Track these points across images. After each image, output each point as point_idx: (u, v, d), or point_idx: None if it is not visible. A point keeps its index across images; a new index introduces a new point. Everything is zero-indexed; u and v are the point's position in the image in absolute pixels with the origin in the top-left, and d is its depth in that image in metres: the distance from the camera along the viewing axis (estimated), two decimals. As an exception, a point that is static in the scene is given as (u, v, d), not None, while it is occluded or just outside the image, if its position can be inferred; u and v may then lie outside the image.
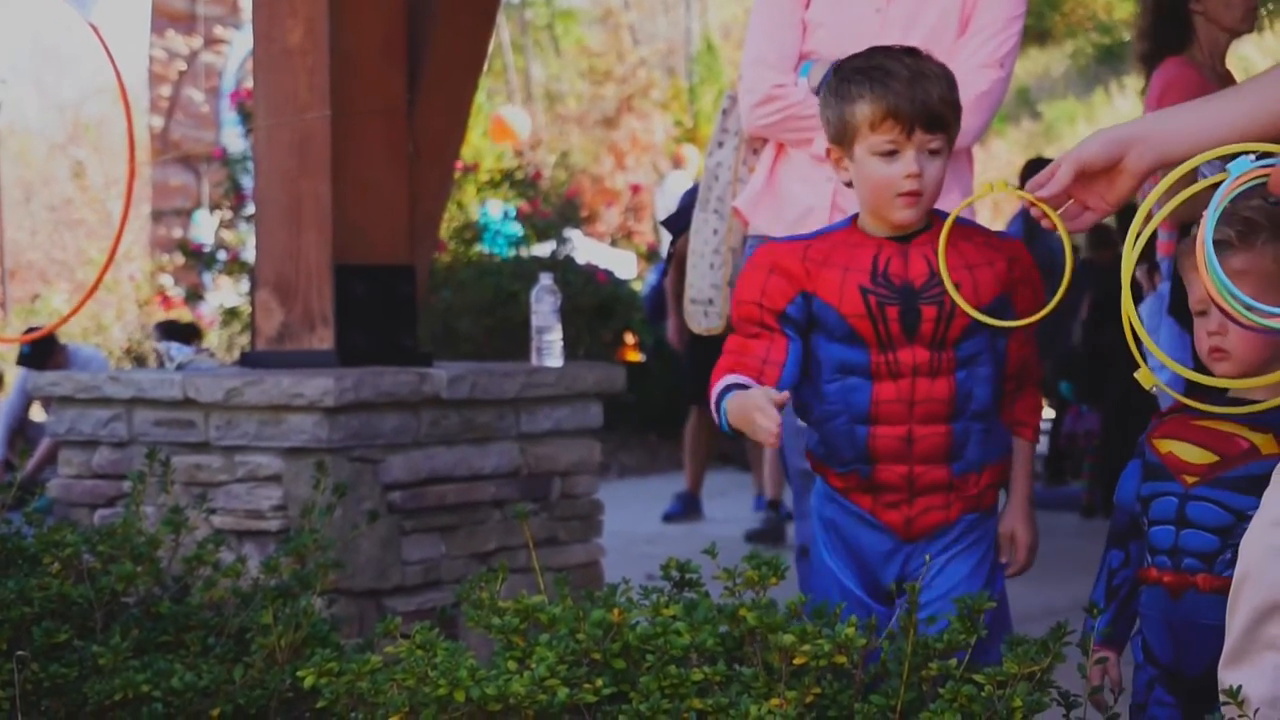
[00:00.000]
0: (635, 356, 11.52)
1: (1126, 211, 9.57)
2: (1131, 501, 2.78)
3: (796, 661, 2.34)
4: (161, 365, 5.05)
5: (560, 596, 2.56)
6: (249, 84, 7.25)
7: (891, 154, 2.79)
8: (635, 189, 17.34)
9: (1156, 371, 3.23)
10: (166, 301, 13.15)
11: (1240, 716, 2.13)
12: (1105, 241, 8.97)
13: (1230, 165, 2.19)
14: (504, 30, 21.07)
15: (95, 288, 4.05)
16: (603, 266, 11.97)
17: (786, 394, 2.72)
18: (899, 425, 2.83)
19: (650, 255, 15.08)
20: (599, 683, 2.39)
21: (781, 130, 3.57)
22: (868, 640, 2.36)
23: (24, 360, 9.09)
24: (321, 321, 4.62)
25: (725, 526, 8.19)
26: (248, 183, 10.21)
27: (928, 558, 2.83)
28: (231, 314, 11.10)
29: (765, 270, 2.89)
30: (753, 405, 2.67)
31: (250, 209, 9.59)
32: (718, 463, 10.27)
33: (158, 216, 16.60)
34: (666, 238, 9.86)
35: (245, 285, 10.75)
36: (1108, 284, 8.35)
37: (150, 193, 16.75)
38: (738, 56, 7.90)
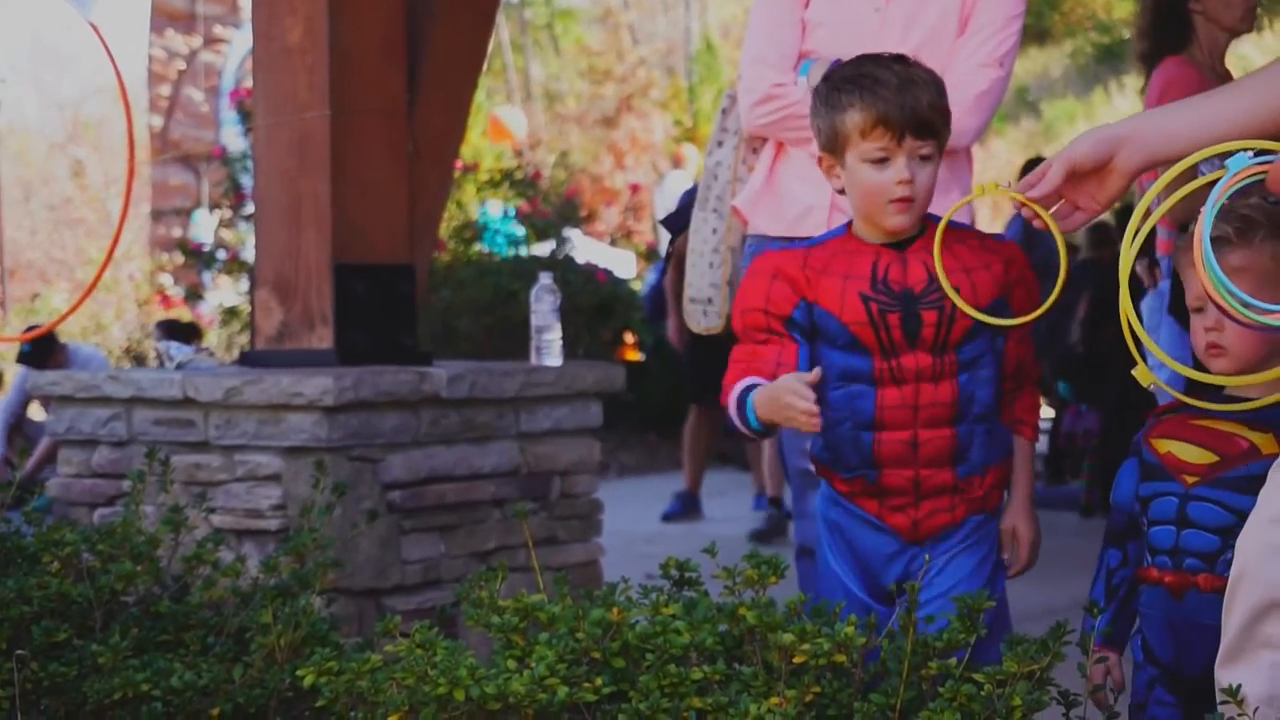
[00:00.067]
0: (635, 356, 11.52)
1: (1126, 210, 9.58)
2: (1129, 501, 2.78)
3: (796, 660, 2.34)
4: (161, 364, 5.04)
5: (560, 596, 2.56)
6: (248, 83, 7.24)
7: (883, 161, 2.81)
8: (634, 188, 17.34)
9: (1155, 370, 3.23)
10: (166, 301, 13.16)
11: (1240, 715, 2.13)
12: (1104, 240, 8.97)
13: (1228, 162, 2.19)
14: (503, 29, 21.07)
15: (94, 286, 4.05)
16: (602, 266, 11.98)
17: (818, 371, 2.73)
18: (904, 430, 2.84)
19: (650, 254, 15.08)
20: (598, 682, 2.39)
21: (781, 129, 3.57)
22: (867, 639, 2.36)
23: (24, 359, 9.10)
24: (321, 321, 4.62)
25: (725, 526, 8.19)
26: (247, 182, 10.21)
27: (926, 557, 2.83)
28: (231, 313, 11.10)
29: (768, 277, 2.90)
30: (785, 390, 2.70)
31: (250, 208, 9.59)
32: (717, 462, 10.27)
33: (157, 216, 16.61)
34: (666, 237, 9.85)
35: (245, 284, 10.75)
36: (1107, 283, 8.35)
37: (150, 192, 16.76)
38: (737, 56, 7.90)
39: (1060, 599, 4.74)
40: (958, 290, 2.72)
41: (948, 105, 2.86)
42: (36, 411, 9.57)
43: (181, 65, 16.48)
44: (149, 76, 16.75)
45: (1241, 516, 2.40)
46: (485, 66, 7.15)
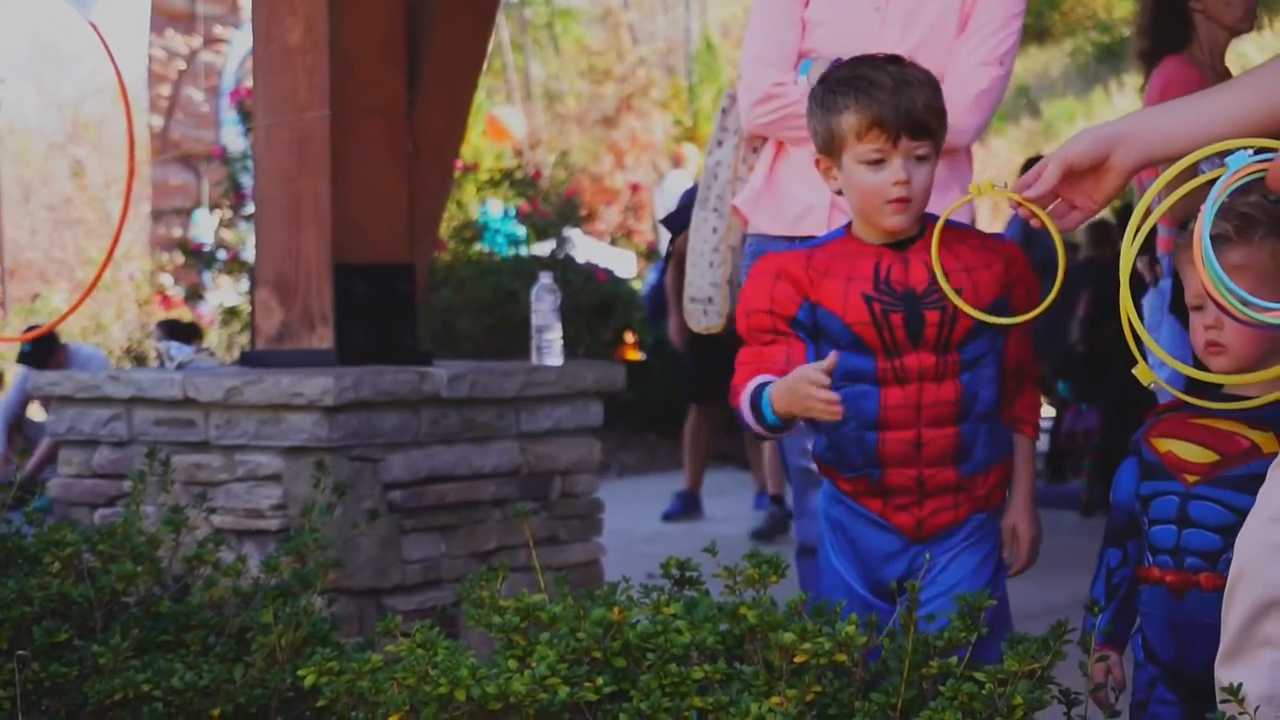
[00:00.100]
0: (635, 355, 11.53)
1: (1126, 208, 9.58)
2: (1129, 500, 2.78)
3: (797, 659, 2.34)
4: (161, 364, 5.04)
5: (560, 595, 2.56)
6: (248, 83, 7.24)
7: (879, 163, 2.82)
8: (635, 188, 17.34)
9: (1156, 369, 3.23)
10: (166, 301, 13.15)
11: (1241, 714, 2.13)
12: (1104, 239, 8.97)
13: (1228, 160, 2.19)
14: (503, 29, 21.06)
15: (94, 285, 4.05)
16: (602, 265, 11.98)
17: (834, 356, 2.73)
18: (908, 430, 2.85)
19: (650, 254, 15.08)
20: (599, 681, 2.39)
21: (781, 128, 3.57)
22: (868, 638, 2.36)
23: (24, 359, 9.10)
24: (321, 320, 4.62)
25: (725, 525, 8.19)
26: (247, 182, 10.21)
27: (927, 557, 2.84)
28: (231, 313, 11.10)
29: (771, 277, 2.90)
30: (802, 380, 2.70)
31: (250, 208, 9.59)
32: (717, 461, 10.27)
33: (157, 216, 16.60)
34: (666, 236, 9.85)
35: (245, 284, 10.75)
36: (1107, 281, 8.35)
37: (150, 192, 16.74)
38: (737, 55, 7.89)
39: (1061, 598, 4.74)
40: (960, 291, 2.73)
41: (943, 105, 2.88)
42: (36, 412, 9.58)
43: (181, 65, 16.47)
44: (149, 76, 16.74)
45: (1243, 515, 2.40)
46: (485, 66, 7.15)
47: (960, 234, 2.91)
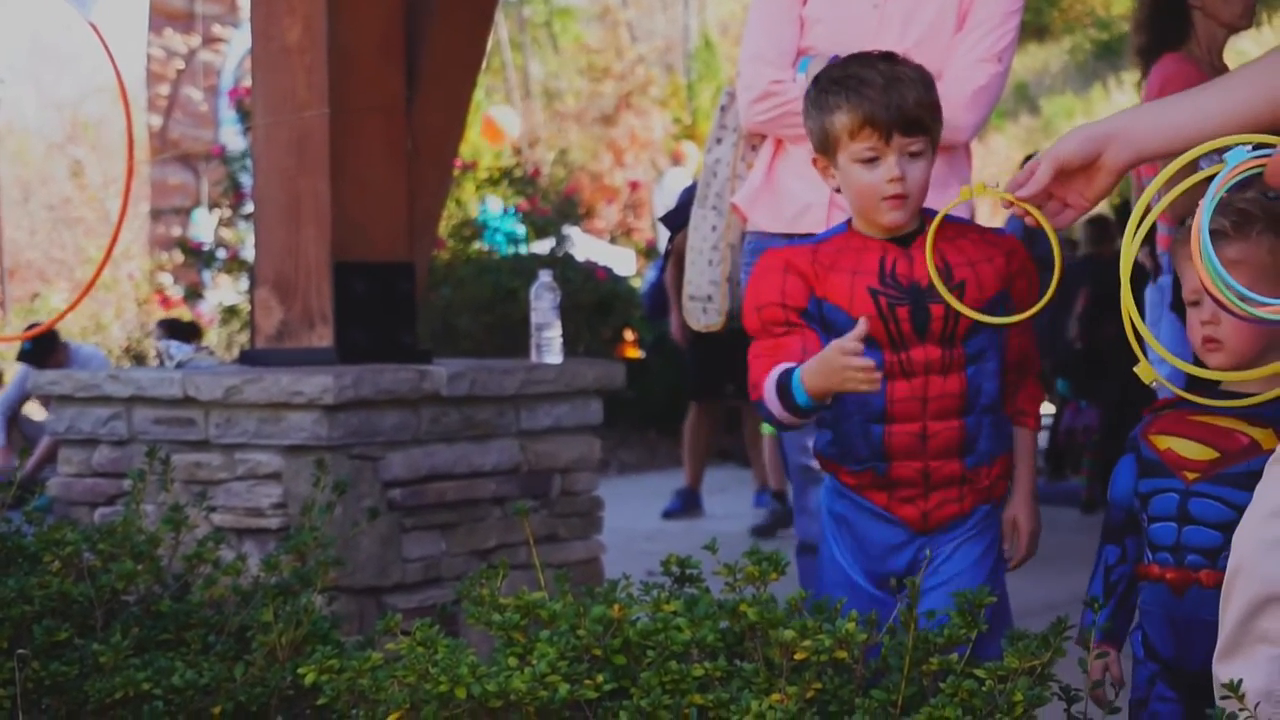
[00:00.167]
0: (635, 353, 11.53)
1: (1125, 205, 9.58)
2: (1127, 497, 2.78)
3: (797, 657, 2.34)
4: (161, 363, 5.04)
5: (561, 593, 2.56)
6: (247, 82, 7.23)
7: (873, 160, 2.84)
8: (634, 186, 17.33)
9: (1156, 365, 3.23)
10: (166, 300, 13.15)
11: (1240, 710, 2.13)
12: (1104, 235, 8.97)
13: (1227, 156, 2.19)
14: (502, 28, 21.05)
15: (92, 284, 4.05)
16: (602, 263, 11.98)
17: (864, 323, 2.72)
18: (914, 422, 2.87)
19: (649, 252, 15.08)
20: (600, 679, 2.39)
21: (779, 126, 3.57)
22: (868, 635, 2.36)
23: (25, 357, 9.10)
24: (321, 319, 4.62)
25: (725, 522, 8.19)
26: (247, 181, 10.20)
27: (928, 553, 2.85)
28: (231, 312, 11.10)
29: (780, 271, 2.91)
30: (838, 351, 2.69)
31: (249, 207, 9.58)
32: (717, 459, 10.27)
33: (156, 215, 16.61)
34: (665, 234, 9.85)
35: (244, 283, 10.75)
36: (1105, 278, 8.35)
37: (149, 191, 16.75)
38: (736, 53, 7.89)
39: (1061, 594, 4.74)
40: (964, 283, 2.77)
41: (937, 100, 2.89)
42: (34, 410, 9.58)
43: (180, 64, 16.47)
44: (148, 76, 16.75)
45: (1242, 512, 2.40)
46: (484, 64, 7.14)
47: (961, 228, 2.94)
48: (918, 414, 2.87)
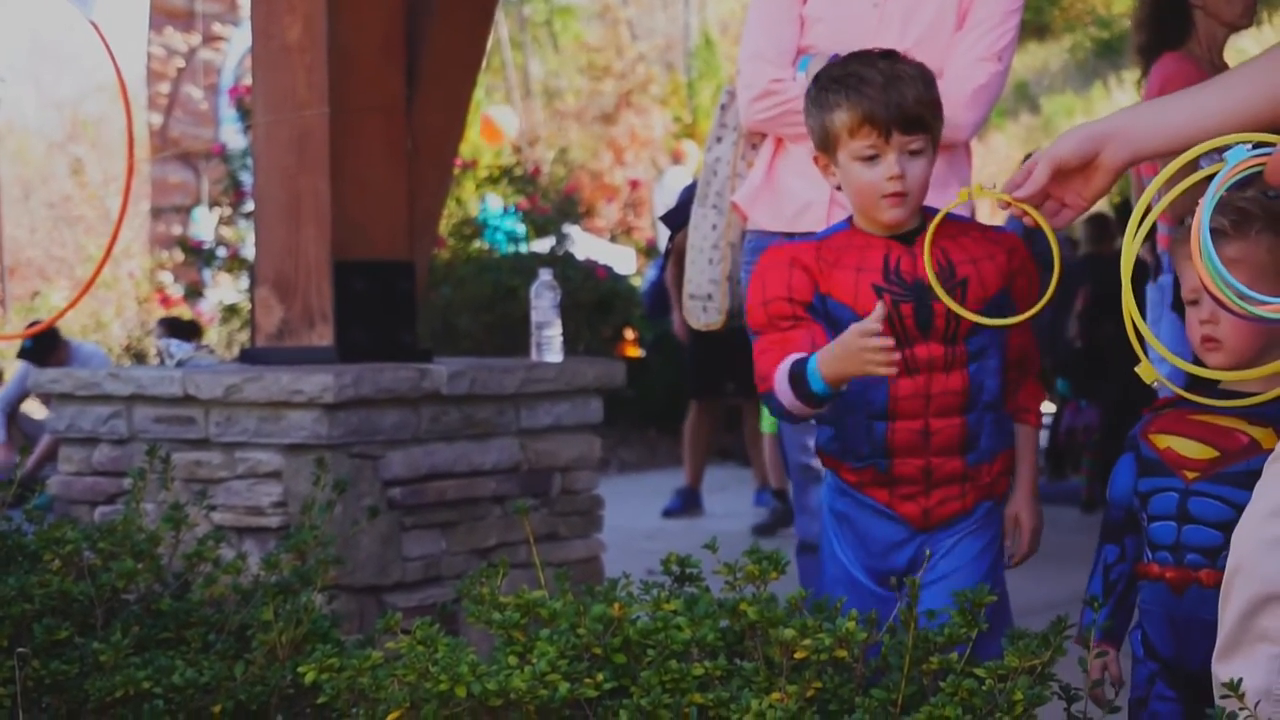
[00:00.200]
0: (635, 352, 11.53)
1: (1125, 204, 9.58)
2: (1127, 496, 2.78)
3: (797, 656, 2.34)
4: (162, 362, 5.04)
5: (561, 592, 2.56)
6: (248, 81, 7.23)
7: (873, 158, 2.84)
8: (634, 184, 17.32)
9: (1156, 364, 3.23)
10: (166, 299, 13.15)
11: (1240, 709, 2.13)
12: (1104, 234, 8.97)
13: (1226, 154, 2.19)
14: (502, 26, 21.04)
15: (93, 282, 4.05)
16: (602, 262, 11.98)
17: (882, 306, 2.73)
18: (916, 419, 2.87)
19: (649, 250, 15.08)
20: (600, 677, 2.39)
21: (779, 125, 3.57)
22: (868, 634, 2.36)
23: (25, 354, 9.10)
24: (321, 318, 4.62)
25: (725, 521, 8.19)
26: (247, 179, 10.20)
27: (927, 552, 2.85)
28: (231, 311, 11.10)
29: (786, 266, 2.91)
30: (856, 334, 2.69)
31: (249, 206, 9.58)
32: (717, 458, 10.27)
33: (157, 213, 16.60)
34: (665, 233, 9.85)
35: (245, 282, 10.75)
36: (1105, 277, 8.35)
37: (149, 190, 16.74)
38: (736, 52, 7.89)
39: (1061, 593, 4.74)
40: (966, 281, 2.79)
41: (937, 98, 2.89)
42: (34, 408, 9.57)
43: (180, 63, 16.46)
44: (148, 74, 16.74)
45: (1242, 511, 2.40)
46: (484, 63, 7.14)
47: (963, 226, 2.94)
48: (920, 411, 2.87)
